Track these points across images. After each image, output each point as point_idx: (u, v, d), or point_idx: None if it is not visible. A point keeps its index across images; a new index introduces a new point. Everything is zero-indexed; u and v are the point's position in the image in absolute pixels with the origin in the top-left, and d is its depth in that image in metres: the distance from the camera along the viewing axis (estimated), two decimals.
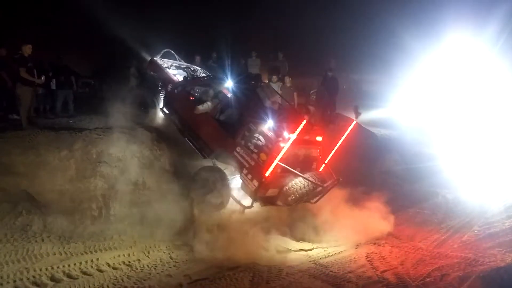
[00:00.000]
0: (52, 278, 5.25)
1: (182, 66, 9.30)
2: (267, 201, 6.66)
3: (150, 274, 5.62)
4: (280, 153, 6.33)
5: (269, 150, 6.47)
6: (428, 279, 5.48)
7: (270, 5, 17.85)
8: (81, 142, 7.51)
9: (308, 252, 6.51)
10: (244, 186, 6.64)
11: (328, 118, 11.55)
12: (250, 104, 7.21)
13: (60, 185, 6.96)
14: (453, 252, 6.26)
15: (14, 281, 5.10)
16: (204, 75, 9.38)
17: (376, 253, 6.02)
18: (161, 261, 5.99)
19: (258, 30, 17.37)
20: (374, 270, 5.71)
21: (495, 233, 6.80)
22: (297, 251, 6.60)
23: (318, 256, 6.36)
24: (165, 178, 7.27)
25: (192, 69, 9.45)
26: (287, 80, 11.68)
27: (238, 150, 6.73)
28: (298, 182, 6.62)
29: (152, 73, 9.04)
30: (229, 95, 7.39)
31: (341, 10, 16.11)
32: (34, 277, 5.23)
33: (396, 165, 9.79)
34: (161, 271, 5.72)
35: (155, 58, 9.03)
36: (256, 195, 6.45)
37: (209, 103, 7.41)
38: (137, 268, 5.74)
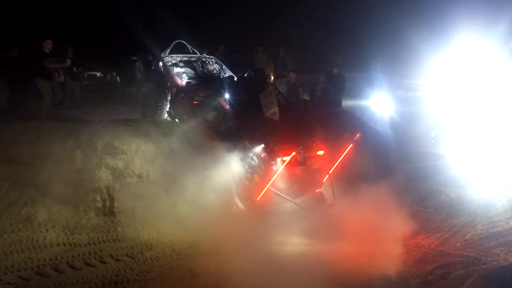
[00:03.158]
0: (56, 269, 5.33)
1: (192, 59, 9.19)
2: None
3: (152, 266, 5.66)
4: (271, 179, 6.25)
5: (262, 172, 6.31)
6: (430, 277, 5.47)
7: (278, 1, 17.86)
8: (86, 133, 7.58)
9: (310, 248, 6.50)
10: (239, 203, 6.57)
11: (334, 115, 11.50)
12: (248, 117, 6.91)
13: (65, 176, 7.03)
14: (456, 251, 6.23)
15: (19, 271, 5.19)
16: (217, 65, 9.34)
17: (377, 250, 6.01)
18: (163, 254, 6.02)
19: (265, 25, 17.35)
20: (376, 267, 5.70)
21: (498, 232, 6.77)
22: (298, 246, 6.59)
23: (320, 252, 6.35)
24: (170, 171, 7.30)
25: (203, 60, 9.35)
26: (292, 75, 11.73)
27: (234, 167, 6.57)
28: (289, 207, 6.61)
29: (160, 70, 8.92)
30: (227, 107, 7.09)
31: (349, 7, 16.06)
32: (38, 267, 5.33)
33: (401, 164, 9.73)
34: (164, 264, 5.76)
35: (162, 56, 8.92)
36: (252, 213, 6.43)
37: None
38: (139, 260, 5.79)
